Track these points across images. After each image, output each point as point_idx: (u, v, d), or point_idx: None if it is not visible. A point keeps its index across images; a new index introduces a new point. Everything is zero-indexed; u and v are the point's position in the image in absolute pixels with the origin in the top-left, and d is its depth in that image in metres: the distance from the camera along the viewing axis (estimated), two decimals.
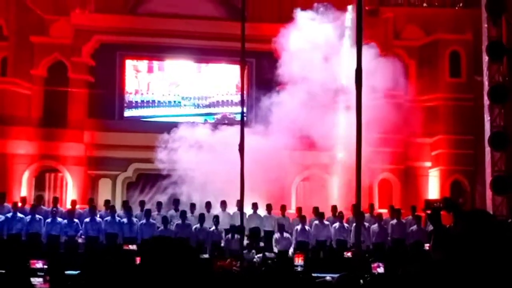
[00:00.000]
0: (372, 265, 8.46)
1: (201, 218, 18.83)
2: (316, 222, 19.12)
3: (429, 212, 6.49)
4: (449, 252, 4.55)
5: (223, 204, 19.63)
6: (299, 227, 18.91)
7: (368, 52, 19.81)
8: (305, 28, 21.20)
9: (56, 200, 20.11)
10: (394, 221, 19.24)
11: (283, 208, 20.04)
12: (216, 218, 18.70)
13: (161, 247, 3.90)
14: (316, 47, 21.05)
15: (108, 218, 18.73)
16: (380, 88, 20.18)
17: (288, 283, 6.31)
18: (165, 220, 18.73)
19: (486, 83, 20.64)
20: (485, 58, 20.68)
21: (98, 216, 18.90)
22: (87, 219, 18.51)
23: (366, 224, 18.78)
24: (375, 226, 18.99)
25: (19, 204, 19.03)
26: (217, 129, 21.71)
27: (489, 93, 20.37)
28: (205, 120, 24.41)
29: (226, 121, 23.84)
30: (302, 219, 19.14)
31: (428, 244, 15.82)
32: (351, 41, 21.22)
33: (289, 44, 21.15)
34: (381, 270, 11.54)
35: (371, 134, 21.77)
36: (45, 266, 8.60)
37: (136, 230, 18.44)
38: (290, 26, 21.22)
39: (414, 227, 19.00)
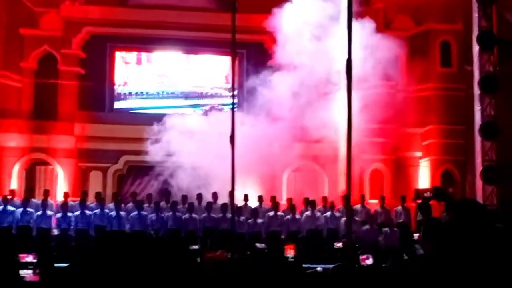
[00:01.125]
0: (361, 257, 8.45)
1: (191, 207, 18.81)
2: (307, 212, 19.13)
3: (419, 201, 6.52)
4: (439, 242, 4.54)
5: (214, 195, 19.63)
6: (289, 217, 18.93)
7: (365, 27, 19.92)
8: (298, 11, 21.11)
9: (47, 193, 20.05)
10: (380, 209, 19.34)
11: (274, 199, 19.97)
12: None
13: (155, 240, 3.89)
14: (309, 30, 20.99)
15: (98, 210, 18.69)
16: (374, 68, 20.19)
17: (279, 274, 6.31)
18: (157, 208, 18.72)
19: (476, 73, 20.67)
20: (476, 48, 20.69)
21: (88, 208, 18.86)
22: (77, 212, 18.48)
23: (357, 218, 18.73)
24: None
25: (9, 197, 18.97)
26: (207, 119, 21.67)
27: (479, 83, 20.40)
28: (194, 111, 24.37)
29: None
30: (292, 209, 19.17)
31: (417, 234, 15.86)
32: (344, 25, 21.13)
33: (281, 27, 21.05)
34: (370, 261, 11.54)
35: (362, 125, 21.87)
36: (35, 260, 8.57)
37: (125, 222, 18.41)
38: (283, 9, 21.11)
39: (404, 217, 19.06)
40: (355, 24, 8.63)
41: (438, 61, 24.24)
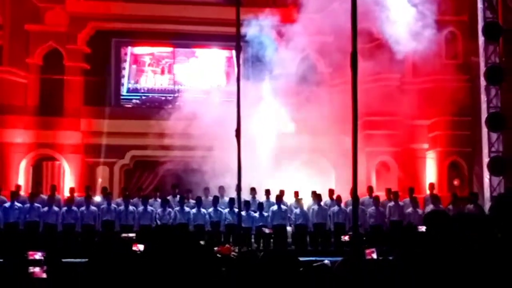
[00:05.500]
0: (366, 251, 8.44)
1: (199, 202, 18.83)
2: (315, 206, 19.12)
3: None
4: (445, 233, 4.64)
5: (221, 189, 19.64)
6: (297, 210, 18.93)
7: None
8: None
9: (54, 188, 20.12)
10: (392, 203, 19.28)
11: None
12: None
13: (161, 235, 3.90)
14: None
15: (104, 205, 18.72)
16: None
17: (289, 271, 6.31)
18: (165, 203, 18.74)
19: (482, 64, 20.59)
20: (481, 39, 20.62)
21: (94, 204, 18.89)
22: (83, 207, 18.52)
23: (363, 207, 18.78)
24: (372, 209, 19.02)
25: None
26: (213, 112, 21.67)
27: (485, 74, 20.32)
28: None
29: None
30: (299, 202, 19.16)
31: (423, 226, 15.83)
32: None
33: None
34: (375, 256, 11.51)
35: (369, 117, 21.86)
36: (43, 258, 8.61)
37: (133, 217, 18.44)
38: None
39: (411, 209, 19.04)
40: None
41: (443, 52, 24.12)
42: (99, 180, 22.47)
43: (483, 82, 20.48)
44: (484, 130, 20.27)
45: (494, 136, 20.08)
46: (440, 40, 23.00)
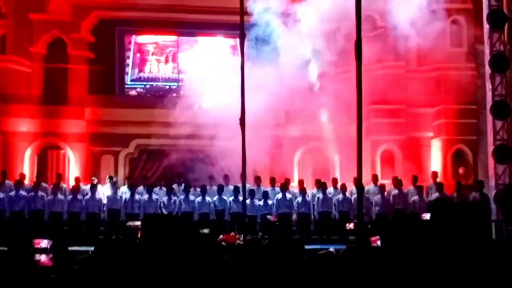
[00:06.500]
0: (372, 239, 8.45)
1: (203, 191, 18.86)
2: (319, 195, 19.14)
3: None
4: (449, 220, 4.65)
5: (226, 178, 19.67)
6: (300, 199, 18.95)
7: None
8: None
9: (59, 177, 20.22)
10: (396, 192, 19.30)
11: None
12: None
13: (162, 223, 3.91)
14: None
15: (110, 194, 18.78)
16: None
17: (294, 259, 6.33)
18: (170, 191, 18.78)
19: (487, 52, 20.51)
20: (486, 27, 20.53)
21: (97, 193, 18.91)
22: (88, 196, 18.57)
23: (368, 196, 18.82)
24: (377, 197, 19.04)
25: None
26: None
27: (490, 62, 20.25)
28: None
29: None
30: (303, 191, 19.19)
31: (428, 214, 15.88)
32: None
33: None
34: (380, 243, 11.51)
35: (373, 105, 21.85)
36: (49, 246, 8.64)
37: (138, 206, 18.47)
38: None
39: (416, 197, 19.06)
40: None
41: (448, 40, 24.03)
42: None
43: (488, 70, 20.40)
44: (489, 118, 20.20)
45: (499, 124, 20.02)
46: (445, 28, 22.92)
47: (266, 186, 19.81)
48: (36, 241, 9.98)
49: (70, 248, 8.49)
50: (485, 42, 20.56)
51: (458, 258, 4.30)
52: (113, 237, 17.29)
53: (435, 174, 20.94)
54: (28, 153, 23.05)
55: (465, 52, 23.88)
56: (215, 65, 24.69)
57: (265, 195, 18.89)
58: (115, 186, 19.19)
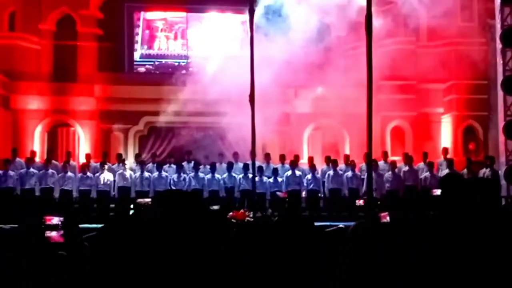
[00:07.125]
0: (381, 214, 8.43)
1: (213, 168, 18.85)
2: (330, 171, 19.09)
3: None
4: (460, 196, 4.65)
5: (235, 155, 19.66)
6: (309, 176, 18.92)
7: None
8: None
9: (69, 155, 20.26)
10: (407, 168, 19.25)
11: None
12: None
13: (173, 200, 3.90)
14: None
15: (120, 171, 18.80)
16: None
17: (303, 235, 6.32)
18: (180, 169, 18.78)
19: (498, 26, 20.32)
20: (497, 1, 20.32)
21: (107, 169, 18.89)
22: (98, 173, 18.60)
23: (380, 172, 18.77)
24: (388, 174, 18.98)
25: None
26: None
27: (501, 37, 20.05)
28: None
29: None
30: (312, 168, 19.15)
31: (438, 190, 15.76)
32: None
33: None
34: (389, 219, 11.49)
35: (383, 81, 21.72)
36: (60, 222, 8.67)
37: (148, 183, 18.49)
38: None
39: (427, 174, 19.01)
40: None
41: (458, 15, 23.82)
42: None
43: (499, 45, 20.22)
44: (500, 93, 20.06)
45: (510, 99, 19.86)
46: (455, 2, 22.72)
47: (275, 163, 19.76)
48: (48, 218, 10.00)
49: (80, 226, 8.51)
50: (496, 17, 20.35)
51: (470, 234, 4.31)
52: (124, 213, 17.33)
53: (445, 150, 20.85)
54: (38, 130, 23.11)
55: (476, 26, 23.66)
56: (225, 41, 24.59)
57: (275, 172, 18.88)
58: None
